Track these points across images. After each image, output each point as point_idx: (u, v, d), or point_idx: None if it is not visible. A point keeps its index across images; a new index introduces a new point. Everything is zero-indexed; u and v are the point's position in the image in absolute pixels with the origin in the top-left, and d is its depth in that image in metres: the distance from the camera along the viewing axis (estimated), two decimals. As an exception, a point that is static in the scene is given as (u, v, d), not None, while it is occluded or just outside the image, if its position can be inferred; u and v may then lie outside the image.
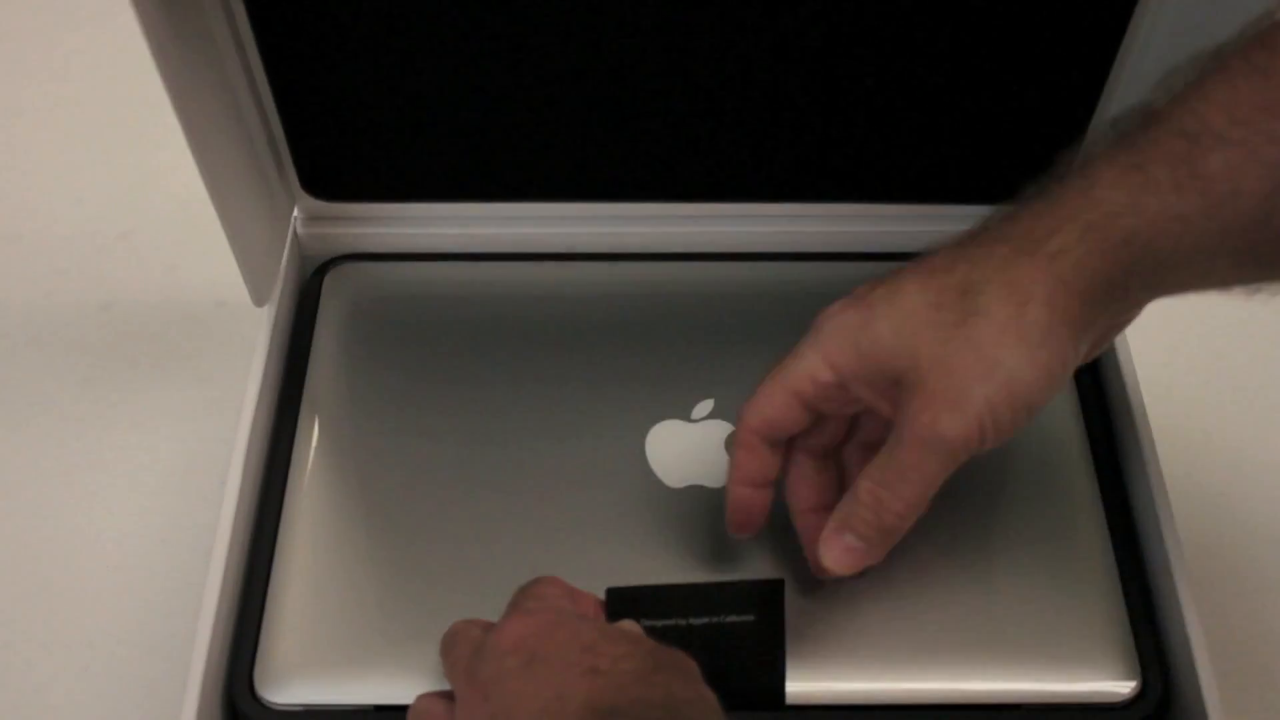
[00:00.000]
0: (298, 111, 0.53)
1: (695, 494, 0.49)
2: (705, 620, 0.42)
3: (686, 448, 0.51)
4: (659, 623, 0.41)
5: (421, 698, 0.41)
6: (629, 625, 0.40)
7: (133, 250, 0.70)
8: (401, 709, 0.41)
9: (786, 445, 0.44)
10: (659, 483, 0.49)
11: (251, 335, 0.54)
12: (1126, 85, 0.52)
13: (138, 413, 0.64)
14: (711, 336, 0.54)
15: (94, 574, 0.58)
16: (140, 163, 0.73)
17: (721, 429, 0.51)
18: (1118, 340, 0.51)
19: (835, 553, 0.41)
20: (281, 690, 0.44)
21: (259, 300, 0.53)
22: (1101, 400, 0.53)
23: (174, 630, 0.56)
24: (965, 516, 0.47)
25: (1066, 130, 0.52)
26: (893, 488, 0.39)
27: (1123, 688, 0.44)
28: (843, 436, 0.45)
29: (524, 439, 0.51)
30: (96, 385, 0.65)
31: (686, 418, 0.52)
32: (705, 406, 0.52)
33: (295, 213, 0.58)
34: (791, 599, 0.43)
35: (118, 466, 0.62)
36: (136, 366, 0.66)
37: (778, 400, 0.41)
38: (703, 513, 0.48)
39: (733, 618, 0.42)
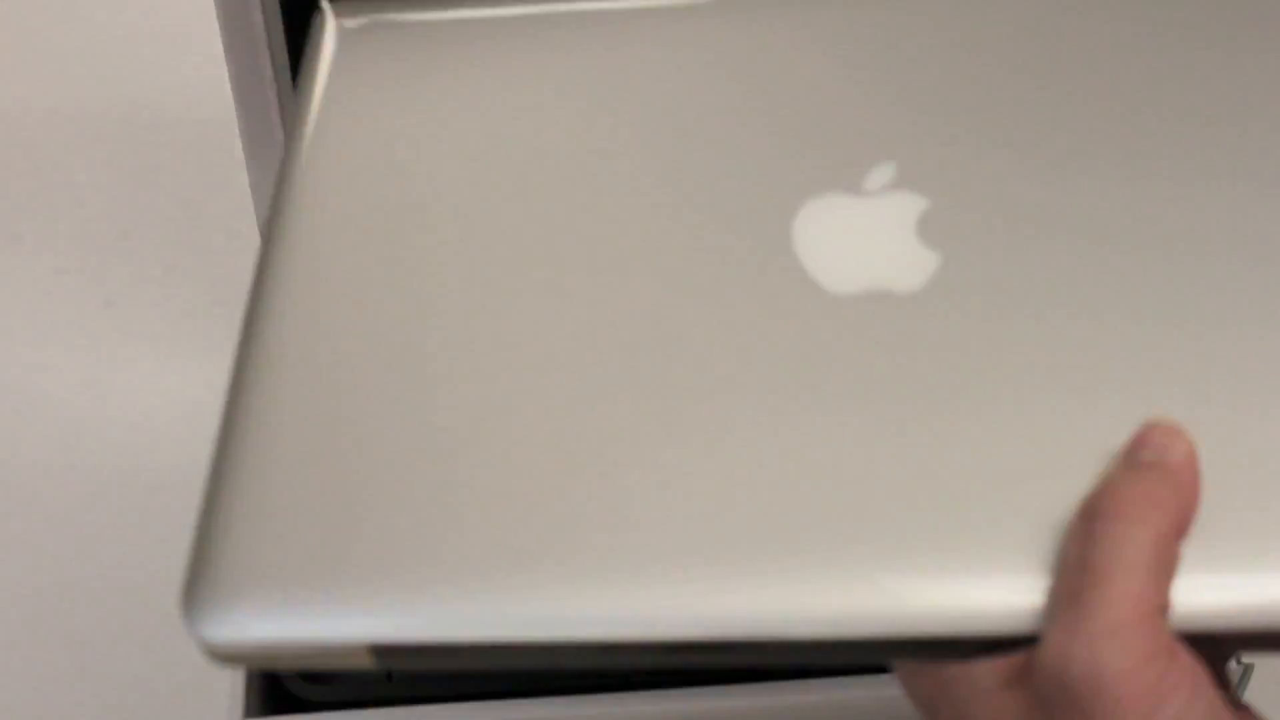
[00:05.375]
0: None
1: (870, 306, 0.31)
2: None
3: (856, 235, 0.32)
4: None
5: None
6: None
7: (133, 250, 0.70)
8: (417, 650, 0.28)
9: None
10: (814, 287, 0.31)
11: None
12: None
13: (138, 413, 0.64)
14: (886, 78, 0.35)
15: (95, 573, 0.58)
16: (140, 163, 0.74)
17: (909, 205, 0.32)
18: None
19: None
20: (223, 621, 0.28)
21: None
22: None
23: (174, 630, 0.56)
24: None
25: None
26: None
27: None
28: None
29: (599, 231, 0.33)
30: (96, 385, 0.65)
31: (856, 190, 0.33)
32: (884, 173, 0.33)
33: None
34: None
35: (118, 466, 0.62)
36: (136, 367, 0.66)
37: None
38: (884, 335, 0.30)
39: None
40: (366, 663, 0.28)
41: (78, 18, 0.81)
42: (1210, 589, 0.27)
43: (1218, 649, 0.28)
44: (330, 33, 0.39)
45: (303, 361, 0.32)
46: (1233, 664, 0.43)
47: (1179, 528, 0.27)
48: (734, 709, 0.44)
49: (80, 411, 0.64)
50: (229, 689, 0.43)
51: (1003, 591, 0.27)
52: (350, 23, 0.39)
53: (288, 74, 0.50)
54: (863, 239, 0.32)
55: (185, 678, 0.55)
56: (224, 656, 0.29)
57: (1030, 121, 0.34)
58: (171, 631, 0.56)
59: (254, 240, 0.51)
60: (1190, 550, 0.27)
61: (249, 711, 0.43)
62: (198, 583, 0.28)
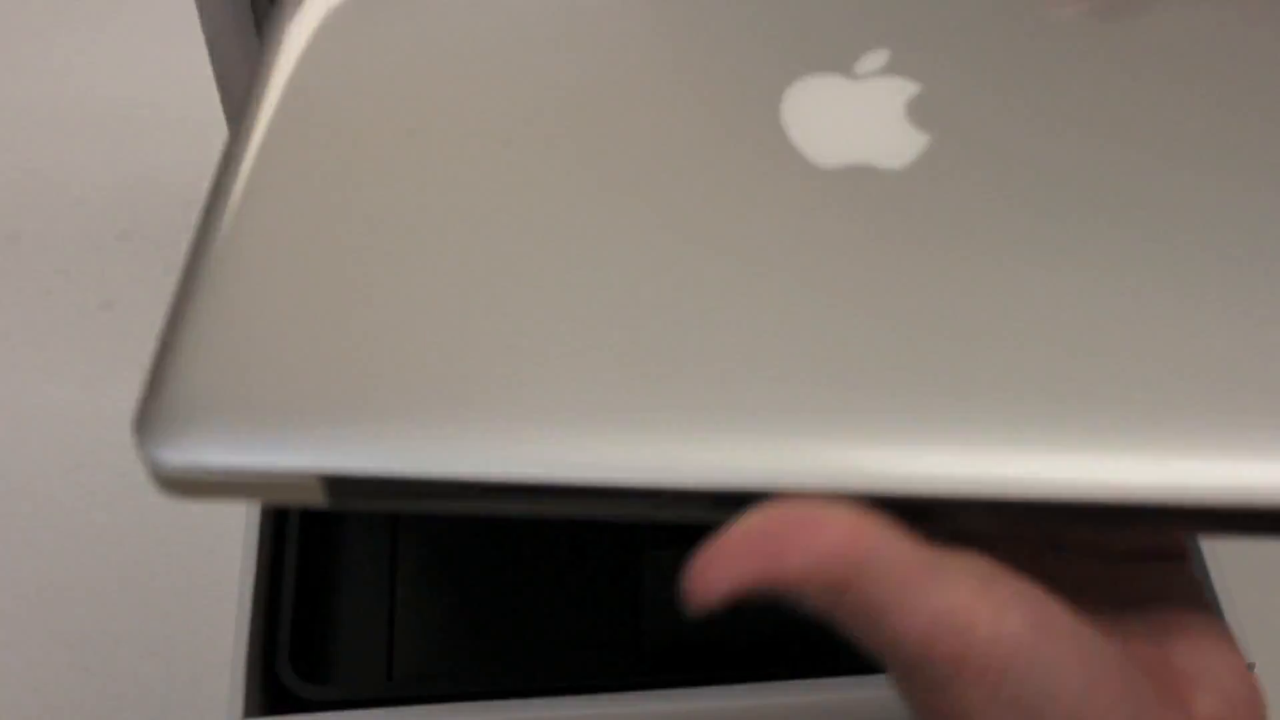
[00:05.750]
0: None
1: (857, 179, 0.30)
2: None
3: (845, 115, 0.32)
4: None
5: None
6: None
7: (133, 250, 0.70)
8: (370, 483, 0.26)
9: None
10: (801, 160, 0.31)
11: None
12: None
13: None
14: None
15: (94, 573, 0.58)
16: (140, 163, 0.74)
17: (900, 89, 0.32)
18: None
19: None
20: (179, 446, 0.27)
21: None
22: None
23: (174, 630, 0.56)
24: None
25: None
26: None
27: None
28: None
29: (586, 97, 0.32)
30: (97, 385, 0.65)
31: (847, 72, 0.32)
32: (876, 58, 0.33)
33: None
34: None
35: (118, 466, 0.62)
36: (137, 366, 0.65)
37: None
38: (866, 207, 0.30)
39: None
40: (319, 497, 0.27)
41: (77, 17, 0.81)
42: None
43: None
44: None
45: (273, 193, 0.31)
46: None
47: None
48: (734, 709, 0.44)
49: (80, 411, 0.64)
50: (229, 689, 0.43)
51: (974, 462, 0.26)
52: None
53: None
54: (851, 117, 0.32)
55: (185, 678, 0.55)
56: (174, 484, 0.27)
57: (1032, 15, 0.34)
58: (171, 632, 0.56)
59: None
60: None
61: (249, 711, 0.43)
62: (152, 406, 0.27)
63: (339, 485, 0.26)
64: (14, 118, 0.77)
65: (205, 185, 0.63)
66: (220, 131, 0.48)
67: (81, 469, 0.62)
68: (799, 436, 0.26)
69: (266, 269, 0.29)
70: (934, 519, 0.26)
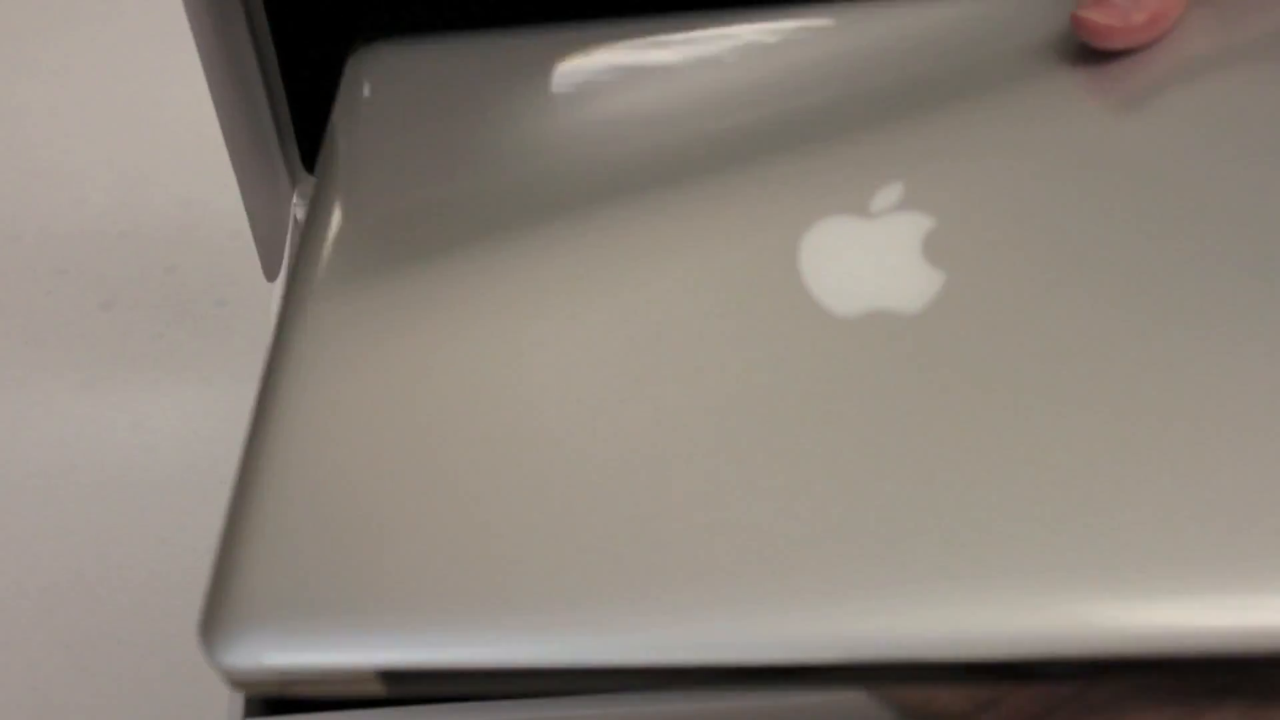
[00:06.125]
0: (305, 93, 0.50)
1: (877, 325, 0.31)
2: None
3: (862, 257, 0.33)
4: None
5: None
6: None
7: (133, 250, 0.70)
8: (422, 676, 0.28)
9: None
10: (820, 310, 0.32)
11: (252, 336, 0.54)
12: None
13: (138, 413, 0.64)
14: (896, 96, 0.36)
15: (94, 573, 0.58)
16: (140, 163, 0.74)
17: (915, 226, 0.33)
18: None
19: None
20: (243, 651, 0.29)
21: (271, 275, 0.53)
22: None
23: (174, 630, 0.56)
24: None
25: None
26: None
27: None
28: None
29: (606, 258, 0.33)
30: (96, 385, 0.65)
31: (862, 211, 0.34)
32: (890, 194, 0.34)
33: (295, 199, 0.58)
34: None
35: (118, 466, 0.62)
36: (136, 366, 0.66)
37: None
38: (890, 355, 0.30)
39: None
40: (377, 688, 0.28)
41: (77, 17, 0.81)
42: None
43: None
44: (366, 66, 0.40)
45: (324, 394, 0.32)
46: None
47: None
48: (734, 709, 0.44)
49: (80, 411, 0.64)
50: (229, 689, 0.43)
51: (1016, 611, 0.26)
52: (387, 54, 0.41)
53: (278, 78, 0.51)
54: (868, 260, 0.32)
55: (185, 678, 0.55)
56: (240, 683, 0.30)
57: (1040, 139, 0.34)
58: (171, 631, 0.56)
59: (253, 240, 0.51)
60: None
61: (249, 711, 0.43)
62: (216, 612, 0.29)
63: (394, 678, 0.28)
64: (14, 118, 0.77)
65: (205, 185, 0.63)
66: (220, 131, 0.48)
67: (81, 469, 0.62)
68: (847, 609, 0.27)
69: (321, 476, 0.31)
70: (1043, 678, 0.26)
